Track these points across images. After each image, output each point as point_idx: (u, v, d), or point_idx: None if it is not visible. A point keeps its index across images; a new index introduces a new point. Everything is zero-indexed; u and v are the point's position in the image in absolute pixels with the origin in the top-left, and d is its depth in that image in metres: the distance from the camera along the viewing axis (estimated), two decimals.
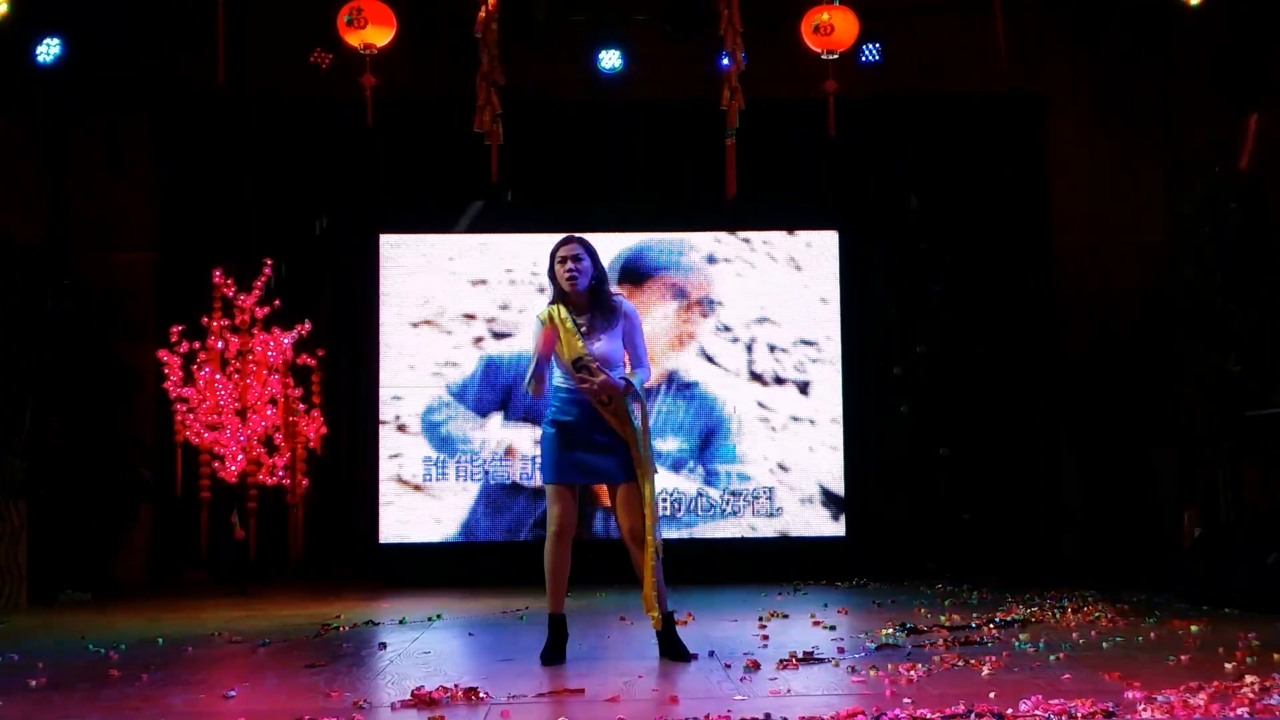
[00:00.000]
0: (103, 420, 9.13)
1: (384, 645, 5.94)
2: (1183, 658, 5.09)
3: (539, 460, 5.40)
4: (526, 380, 5.20)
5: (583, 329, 5.28)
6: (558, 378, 5.34)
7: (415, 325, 9.17)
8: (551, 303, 5.37)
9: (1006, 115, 9.61)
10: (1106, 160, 9.58)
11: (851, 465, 9.23)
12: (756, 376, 9.25)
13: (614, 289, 5.50)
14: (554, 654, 5.26)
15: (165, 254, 9.43)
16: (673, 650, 5.29)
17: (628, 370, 5.37)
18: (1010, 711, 3.98)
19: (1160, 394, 9.24)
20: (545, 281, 5.73)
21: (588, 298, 5.32)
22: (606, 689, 4.57)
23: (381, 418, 9.12)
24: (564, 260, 5.30)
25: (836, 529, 9.18)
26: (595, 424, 5.25)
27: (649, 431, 5.33)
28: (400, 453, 9.10)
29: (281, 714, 4.28)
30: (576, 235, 5.40)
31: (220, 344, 8.93)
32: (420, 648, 5.91)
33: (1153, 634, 5.95)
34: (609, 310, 5.33)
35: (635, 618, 6.47)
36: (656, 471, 5.47)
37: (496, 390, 9.18)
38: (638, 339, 5.38)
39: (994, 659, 5.10)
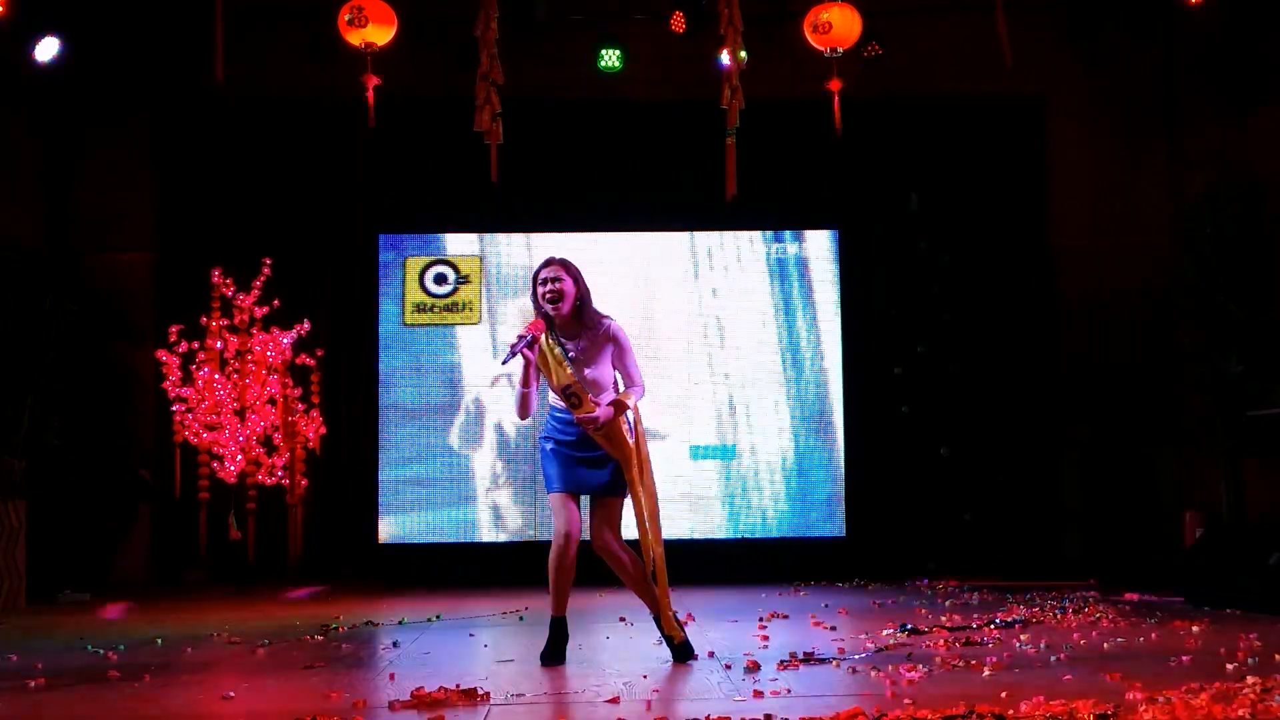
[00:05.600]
0: (102, 420, 9.12)
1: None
2: (1184, 658, 5.09)
3: (540, 472, 5.39)
4: (514, 405, 5.32)
5: (570, 354, 5.23)
6: (553, 399, 5.33)
7: (414, 325, 9.17)
8: None
9: (1006, 115, 9.61)
10: (1106, 160, 9.57)
11: (851, 465, 9.22)
12: (757, 376, 9.24)
13: (602, 311, 5.38)
14: (554, 655, 5.26)
15: (164, 254, 9.42)
16: (679, 651, 5.30)
17: (622, 391, 5.33)
18: (1010, 712, 3.98)
19: (1160, 394, 9.24)
20: None
21: (572, 320, 5.26)
22: (606, 689, 4.57)
23: (380, 418, 9.10)
24: (544, 282, 5.23)
25: (836, 529, 9.17)
26: (590, 442, 5.24)
27: (645, 450, 5.30)
28: (400, 452, 9.09)
29: (281, 714, 4.28)
30: (558, 257, 5.34)
31: (219, 344, 8.93)
32: (420, 648, 5.91)
33: (1154, 634, 5.94)
34: (596, 333, 5.28)
35: (635, 619, 6.46)
36: (653, 485, 5.43)
37: (496, 390, 9.16)
38: (628, 360, 5.30)
39: (994, 659, 5.10)
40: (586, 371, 5.21)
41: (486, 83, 6.63)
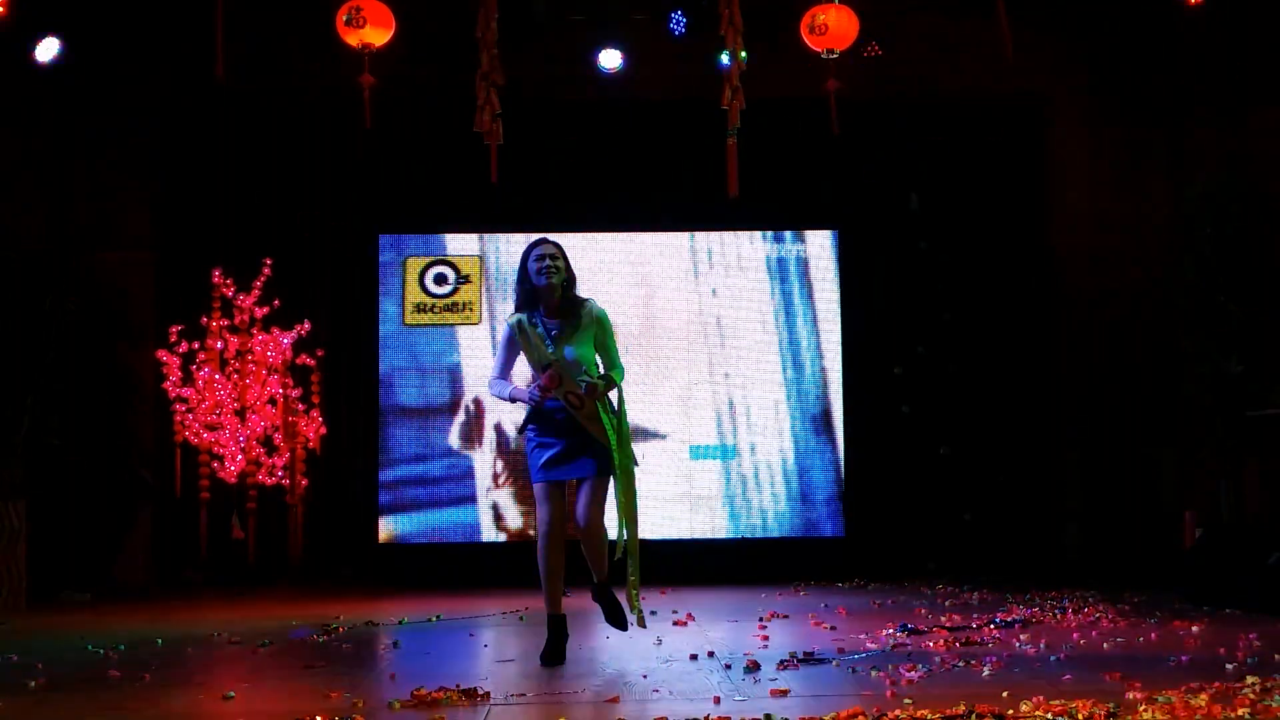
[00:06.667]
0: (102, 420, 9.11)
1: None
2: (1183, 658, 5.09)
3: (525, 465, 5.42)
4: (501, 395, 5.41)
5: (552, 333, 5.29)
6: (533, 386, 5.35)
7: (414, 325, 9.17)
8: (518, 309, 5.38)
9: (1007, 115, 9.60)
10: (1107, 159, 9.56)
11: (851, 465, 9.22)
12: (757, 376, 9.24)
13: (585, 295, 5.49)
14: (554, 654, 5.26)
15: (165, 254, 9.41)
16: (613, 615, 5.39)
17: (603, 373, 5.36)
18: (1011, 712, 3.98)
19: (1160, 394, 9.23)
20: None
21: (560, 300, 5.32)
22: (606, 689, 4.57)
23: (381, 418, 9.10)
24: (540, 258, 5.32)
25: (836, 529, 9.17)
26: (569, 428, 5.26)
27: (624, 431, 5.33)
28: (400, 452, 9.09)
29: (281, 714, 4.28)
30: (550, 239, 5.42)
31: (219, 344, 8.93)
32: (420, 648, 5.91)
33: (1153, 634, 5.95)
34: (578, 314, 5.34)
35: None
36: (638, 464, 5.48)
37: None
38: (609, 342, 5.40)
39: (994, 659, 5.10)
40: (567, 350, 5.28)
41: (486, 83, 6.62)
